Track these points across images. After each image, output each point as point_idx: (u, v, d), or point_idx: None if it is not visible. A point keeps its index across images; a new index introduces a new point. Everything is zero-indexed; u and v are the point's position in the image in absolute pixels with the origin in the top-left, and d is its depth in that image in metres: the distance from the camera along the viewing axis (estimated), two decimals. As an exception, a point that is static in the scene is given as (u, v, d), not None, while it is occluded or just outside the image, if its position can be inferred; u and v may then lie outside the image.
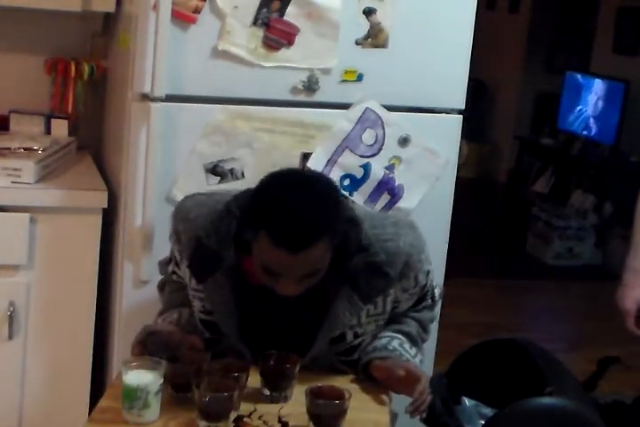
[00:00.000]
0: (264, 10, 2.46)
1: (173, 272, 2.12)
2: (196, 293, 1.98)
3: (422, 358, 2.09)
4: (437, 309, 2.22)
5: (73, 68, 3.00)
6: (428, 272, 2.09)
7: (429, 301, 2.15)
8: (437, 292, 2.18)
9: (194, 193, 2.11)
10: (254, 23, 2.46)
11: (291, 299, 1.87)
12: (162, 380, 1.76)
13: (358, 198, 2.59)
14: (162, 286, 2.21)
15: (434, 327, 2.31)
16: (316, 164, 2.55)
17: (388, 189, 2.64)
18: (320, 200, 1.82)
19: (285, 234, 1.75)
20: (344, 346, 2.00)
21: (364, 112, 2.59)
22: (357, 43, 2.56)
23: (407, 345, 2.03)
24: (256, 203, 1.82)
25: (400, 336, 2.04)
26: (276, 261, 1.79)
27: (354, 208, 1.98)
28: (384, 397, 1.93)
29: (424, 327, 2.13)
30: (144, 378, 1.75)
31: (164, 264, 2.20)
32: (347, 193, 2.59)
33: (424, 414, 1.92)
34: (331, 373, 2.01)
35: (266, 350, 1.93)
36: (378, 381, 1.95)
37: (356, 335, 1.99)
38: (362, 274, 1.92)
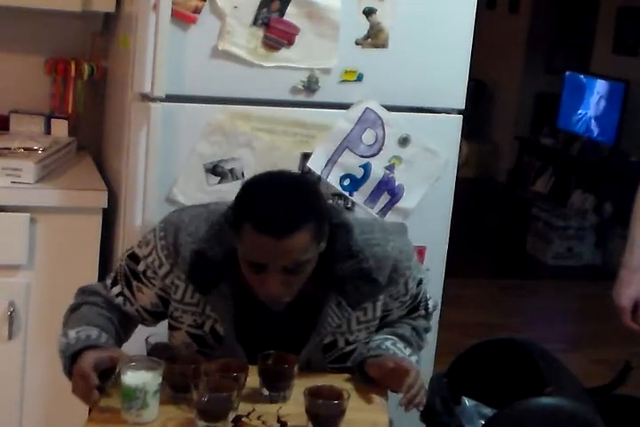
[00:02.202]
0: (264, 10, 2.46)
1: (120, 294, 2.02)
2: (189, 307, 1.96)
3: (419, 360, 2.08)
4: (432, 319, 2.21)
5: (73, 68, 3.00)
6: (421, 281, 2.07)
7: (423, 311, 2.13)
8: (431, 304, 2.16)
9: (183, 207, 2.09)
10: (254, 23, 2.46)
11: (283, 308, 1.88)
12: (160, 380, 1.76)
13: (358, 198, 2.59)
14: (76, 307, 2.02)
15: (434, 328, 2.30)
16: (315, 164, 2.55)
17: (388, 189, 2.64)
18: (302, 190, 1.86)
19: (268, 220, 1.77)
20: (337, 353, 2.00)
21: (363, 112, 2.59)
22: (357, 43, 2.55)
23: (401, 345, 2.02)
24: (238, 198, 1.85)
25: (393, 337, 2.04)
26: (259, 250, 1.79)
27: (344, 215, 2.00)
28: (383, 397, 1.93)
29: (419, 334, 2.12)
30: (142, 378, 1.74)
31: (90, 291, 2.05)
32: (347, 193, 2.59)
33: (420, 407, 1.91)
34: (330, 373, 2.01)
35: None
36: (373, 380, 1.95)
37: (347, 342, 2.00)
38: (350, 280, 1.93)
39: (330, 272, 1.92)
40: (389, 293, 1.99)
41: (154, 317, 2.04)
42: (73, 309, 2.03)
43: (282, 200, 1.80)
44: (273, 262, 1.79)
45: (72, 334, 1.91)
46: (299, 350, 1.96)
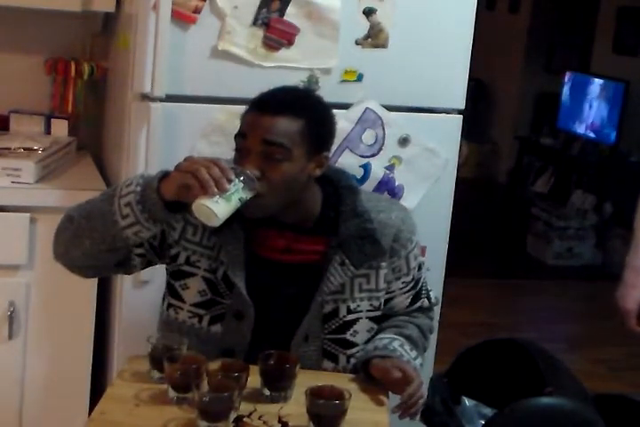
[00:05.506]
0: (264, 10, 2.46)
1: None
2: (205, 250, 2.00)
3: (423, 362, 2.10)
4: (435, 317, 2.23)
5: (73, 68, 3.00)
6: (421, 265, 2.13)
7: (426, 301, 2.17)
8: (433, 295, 2.20)
9: None
10: (254, 23, 2.46)
11: (258, 216, 1.95)
12: (249, 197, 1.81)
13: (358, 198, 2.60)
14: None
15: (434, 328, 2.30)
16: (316, 164, 2.55)
17: (388, 189, 2.64)
18: (310, 96, 2.03)
19: (261, 101, 1.93)
20: (337, 322, 2.02)
21: (363, 112, 2.59)
22: (357, 43, 2.56)
23: (408, 347, 2.04)
24: None
25: (401, 338, 2.06)
26: (244, 123, 1.92)
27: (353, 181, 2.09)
28: (384, 397, 1.93)
29: (424, 334, 2.15)
30: (240, 179, 1.81)
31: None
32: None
33: (416, 417, 1.93)
34: (330, 374, 2.01)
35: (266, 311, 1.98)
36: (376, 380, 1.95)
37: (349, 311, 2.02)
38: (353, 239, 1.99)
39: (335, 232, 1.99)
40: (392, 264, 2.05)
41: (152, 249, 2.02)
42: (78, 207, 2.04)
43: (282, 93, 1.97)
44: (252, 133, 1.88)
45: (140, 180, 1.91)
46: (304, 309, 1.99)
